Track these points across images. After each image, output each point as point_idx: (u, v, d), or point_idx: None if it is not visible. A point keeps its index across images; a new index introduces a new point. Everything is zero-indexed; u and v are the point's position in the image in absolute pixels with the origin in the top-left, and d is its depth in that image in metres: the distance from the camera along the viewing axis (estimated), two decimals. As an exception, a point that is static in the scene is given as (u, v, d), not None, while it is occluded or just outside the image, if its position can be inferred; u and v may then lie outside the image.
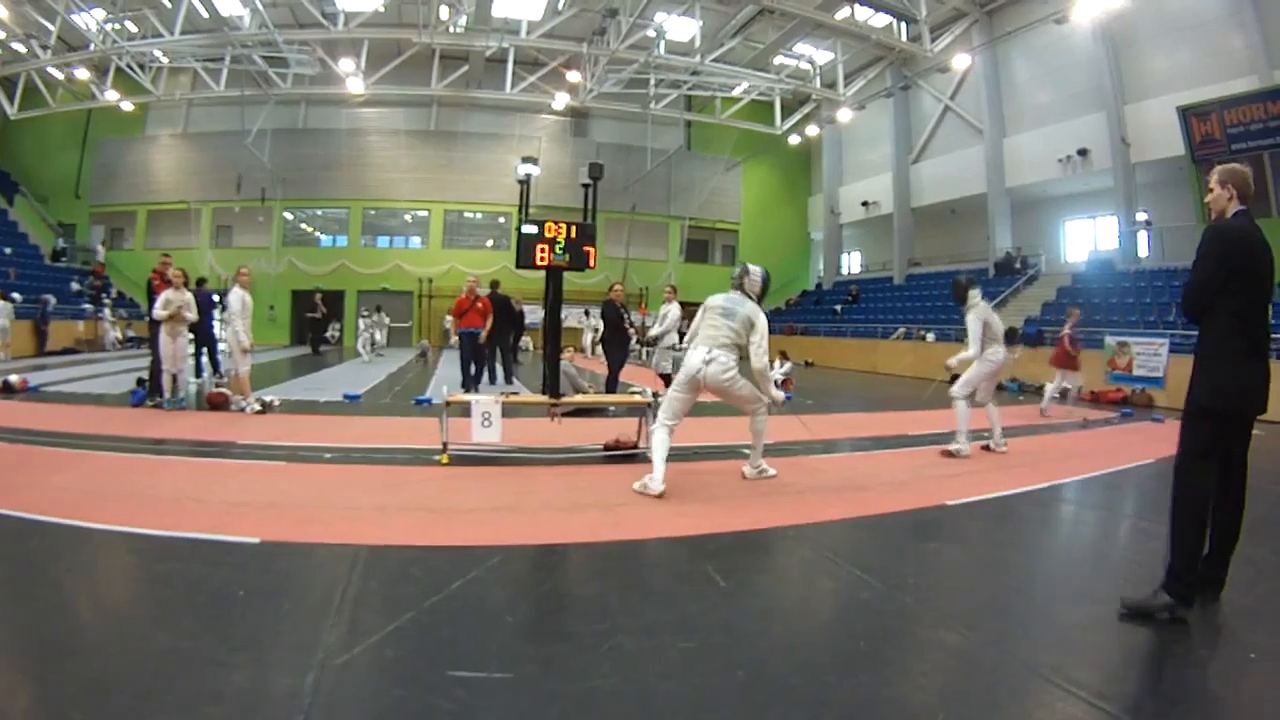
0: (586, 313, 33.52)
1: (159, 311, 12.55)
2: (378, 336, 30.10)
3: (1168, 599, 4.55)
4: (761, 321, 7.88)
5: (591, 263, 10.31)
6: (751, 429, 8.25)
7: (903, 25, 31.74)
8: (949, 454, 10.35)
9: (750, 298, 8.10)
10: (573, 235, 10.03)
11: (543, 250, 9.91)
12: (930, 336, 29.89)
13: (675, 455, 8.28)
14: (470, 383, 16.03)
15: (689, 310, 10.38)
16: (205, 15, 29.23)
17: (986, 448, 10.89)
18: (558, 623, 4.48)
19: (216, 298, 17.59)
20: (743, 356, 7.95)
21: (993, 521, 7.33)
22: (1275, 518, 7.81)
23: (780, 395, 8.33)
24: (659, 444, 7.64)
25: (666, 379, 15.45)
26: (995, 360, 10.78)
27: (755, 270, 8.19)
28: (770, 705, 3.44)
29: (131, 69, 32.35)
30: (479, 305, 16.86)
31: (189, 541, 5.37)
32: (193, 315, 12.93)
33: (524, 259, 9.96)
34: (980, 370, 10.74)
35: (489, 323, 16.89)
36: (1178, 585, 4.57)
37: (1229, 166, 5.39)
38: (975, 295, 10.93)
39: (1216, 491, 4.83)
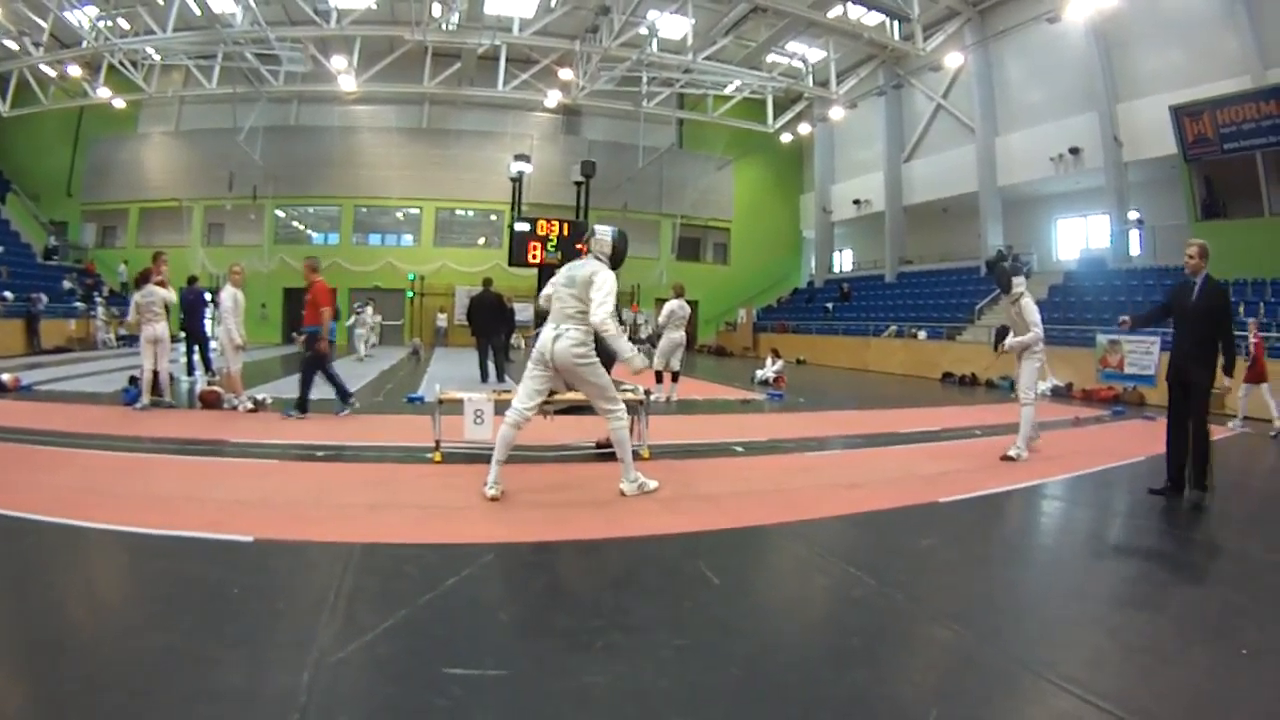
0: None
1: (131, 317, 12.62)
2: (369, 335, 30.23)
3: None
4: (603, 277, 6.94)
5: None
6: (611, 438, 7.44)
7: (895, 24, 31.69)
8: (1009, 458, 10.03)
9: (601, 261, 7.25)
10: (565, 233, 10.07)
11: (535, 248, 9.95)
12: (922, 334, 29.99)
13: (665, 452, 8.28)
14: (302, 404, 12.18)
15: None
16: (198, 12, 29.18)
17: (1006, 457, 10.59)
18: (551, 620, 4.47)
19: (209, 296, 17.56)
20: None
21: (985, 519, 7.39)
22: (1266, 515, 7.86)
23: (632, 352, 7.19)
24: (501, 442, 7.10)
25: (659, 376, 15.48)
26: (1041, 353, 10.50)
27: (604, 230, 7.41)
28: (764, 702, 3.46)
29: (124, 66, 32.22)
30: (311, 296, 12.78)
31: (183, 540, 5.37)
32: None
33: (516, 256, 10.01)
34: (1034, 367, 10.34)
35: (326, 317, 12.75)
36: None
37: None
38: (1021, 283, 10.44)
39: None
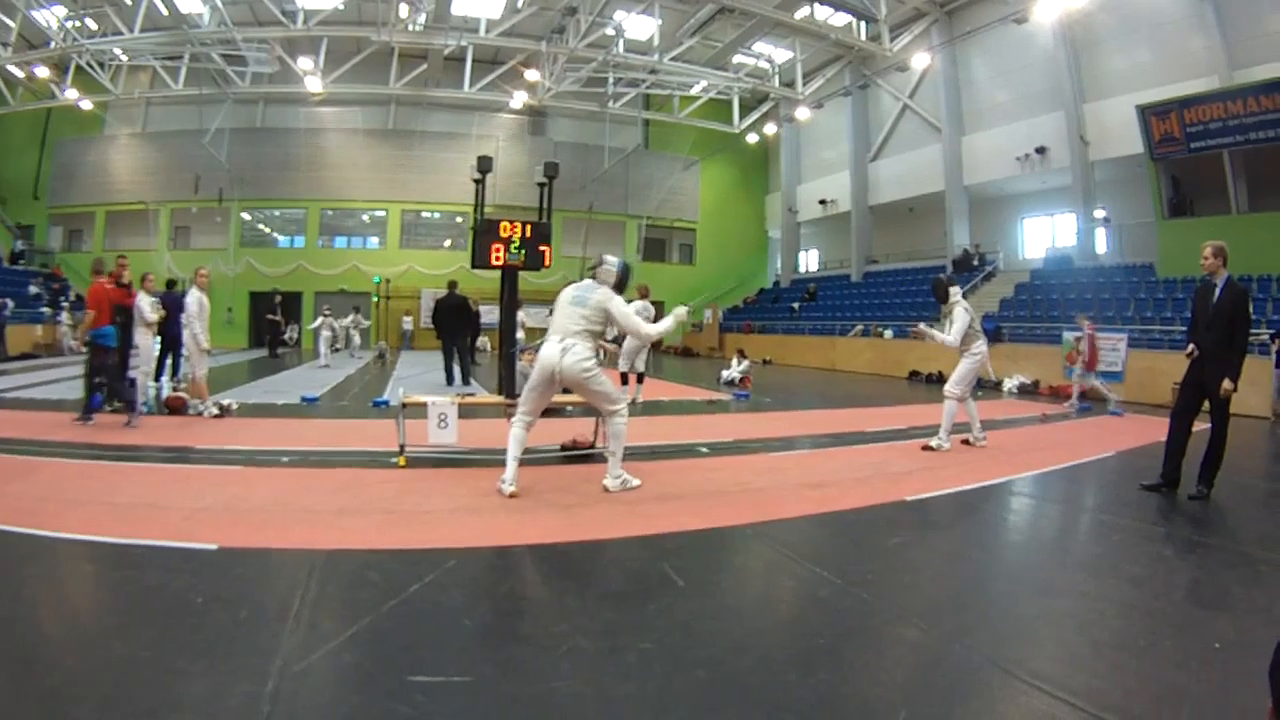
0: (550, 313, 33.45)
1: (150, 314, 12.50)
2: (356, 338, 30.32)
3: None
4: (616, 303, 7.64)
5: (547, 262, 10.38)
6: (609, 432, 7.90)
7: (862, 24, 31.95)
8: (929, 448, 10.53)
9: (604, 286, 7.85)
10: (528, 234, 10.06)
11: (498, 250, 9.93)
12: (888, 333, 30.10)
13: (630, 454, 8.31)
14: (87, 411, 11.35)
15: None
16: (165, 12, 29.05)
17: (967, 441, 11.10)
18: (516, 625, 4.48)
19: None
20: (602, 344, 8.02)
21: (952, 516, 7.44)
22: (1239, 511, 7.93)
23: (665, 325, 8.03)
24: (513, 441, 7.52)
25: (624, 377, 15.48)
26: (981, 354, 11.09)
27: (611, 260, 8.00)
28: (730, 704, 3.47)
29: (91, 67, 32.02)
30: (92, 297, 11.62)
31: (147, 549, 5.34)
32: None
33: (479, 259, 9.99)
34: (970, 366, 11.06)
35: (88, 321, 11.48)
36: None
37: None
38: (956, 292, 11.26)
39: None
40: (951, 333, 11.05)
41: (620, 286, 7.92)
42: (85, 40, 30.16)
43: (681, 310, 8.20)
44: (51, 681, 3.46)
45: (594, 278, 7.91)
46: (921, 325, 11.70)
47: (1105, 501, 8.39)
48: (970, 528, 7.15)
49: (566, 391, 8.04)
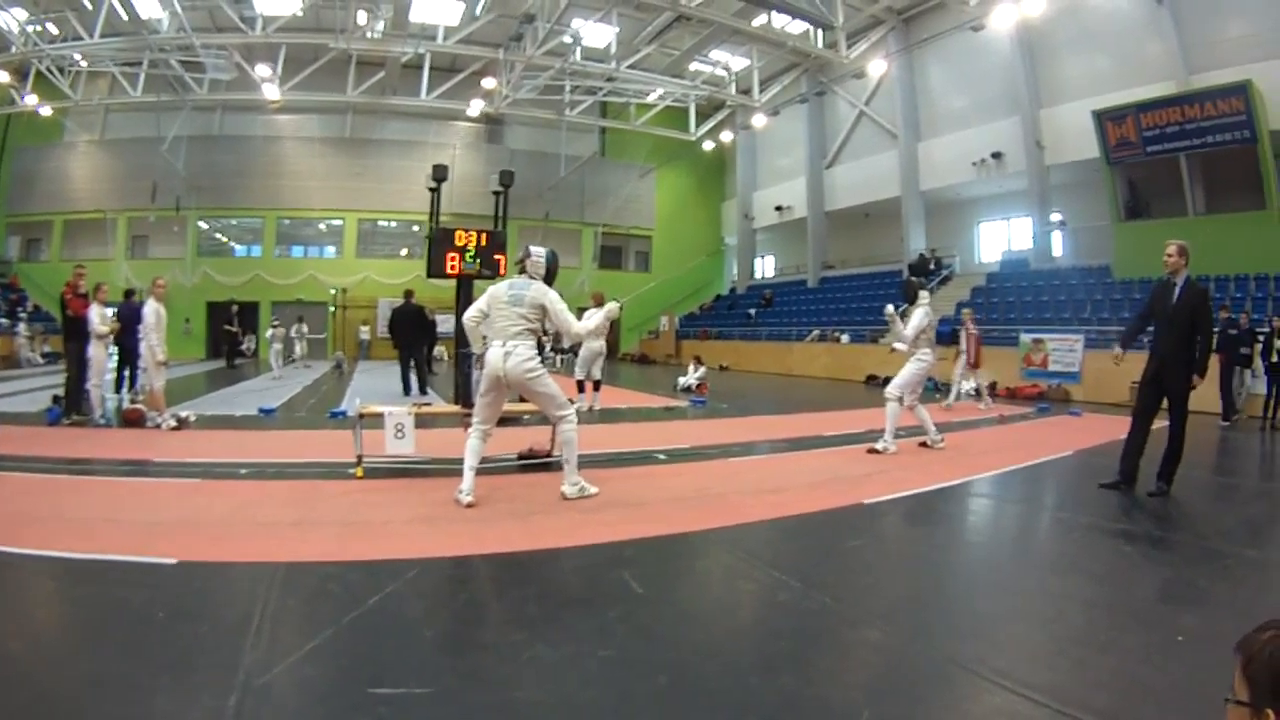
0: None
1: (100, 326, 12.41)
2: (299, 348, 29.99)
3: None
4: (552, 297, 7.60)
5: (502, 270, 10.42)
6: (560, 440, 7.89)
7: (819, 32, 32.14)
8: (875, 451, 10.61)
9: (536, 280, 7.78)
10: (483, 243, 10.10)
11: (453, 259, 9.96)
12: (845, 338, 30.33)
13: (588, 462, 8.36)
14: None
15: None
16: (125, 17, 28.72)
17: (924, 444, 11.25)
18: (476, 634, 4.49)
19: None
20: (542, 347, 7.93)
21: (911, 518, 7.53)
22: (1198, 506, 8.07)
23: (593, 322, 8.19)
24: (470, 451, 7.52)
25: (580, 385, 15.53)
26: (927, 361, 11.20)
27: (537, 251, 7.90)
28: (693, 709, 3.49)
29: (52, 73, 31.68)
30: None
31: (106, 564, 5.29)
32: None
33: (435, 267, 10.02)
34: (915, 370, 11.14)
35: None
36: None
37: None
38: (926, 296, 11.39)
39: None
40: (908, 329, 11.16)
41: (550, 277, 7.88)
42: (46, 45, 29.90)
43: (613, 306, 8.34)
44: (15, 700, 3.43)
45: (522, 271, 7.85)
46: (890, 307, 11.71)
47: (1064, 500, 8.57)
48: (929, 529, 7.23)
49: (523, 400, 8.04)
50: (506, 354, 7.37)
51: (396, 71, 34.55)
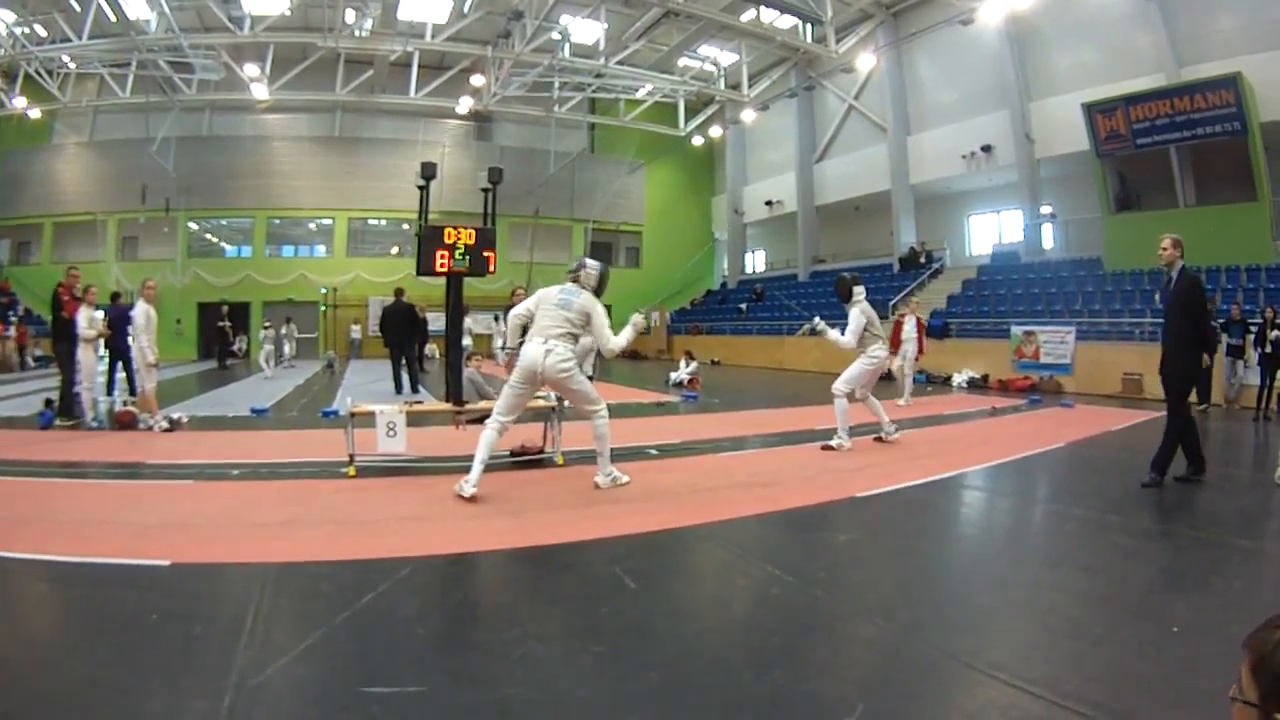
0: (496, 318, 33.37)
1: (87, 330, 12.36)
2: (287, 349, 29.87)
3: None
4: (599, 310, 7.97)
5: (492, 267, 10.35)
6: (593, 434, 8.11)
7: (808, 27, 32.14)
8: (829, 448, 10.52)
9: (587, 290, 8.10)
10: (472, 240, 10.06)
11: (443, 256, 9.93)
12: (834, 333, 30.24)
13: (580, 457, 8.38)
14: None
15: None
16: (113, 19, 28.74)
17: (879, 439, 11.20)
18: (469, 632, 4.48)
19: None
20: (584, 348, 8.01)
21: (904, 511, 7.48)
22: (1192, 497, 8.07)
23: (624, 338, 8.08)
24: (484, 444, 7.65)
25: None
26: (878, 358, 11.13)
27: (592, 264, 8.18)
28: (686, 705, 3.48)
29: (40, 75, 31.58)
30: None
31: (98, 566, 5.27)
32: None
33: (424, 265, 10.00)
34: (862, 368, 11.07)
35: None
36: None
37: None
38: (860, 292, 11.38)
39: None
40: (846, 332, 11.17)
41: (600, 290, 8.15)
42: (34, 47, 29.81)
43: (639, 318, 8.41)
44: (7, 704, 3.42)
45: (575, 280, 8.08)
46: (817, 319, 11.69)
47: (1057, 492, 8.58)
48: (922, 522, 7.19)
49: (485, 398, 8.13)
50: (547, 351, 7.65)
51: (385, 70, 34.56)
